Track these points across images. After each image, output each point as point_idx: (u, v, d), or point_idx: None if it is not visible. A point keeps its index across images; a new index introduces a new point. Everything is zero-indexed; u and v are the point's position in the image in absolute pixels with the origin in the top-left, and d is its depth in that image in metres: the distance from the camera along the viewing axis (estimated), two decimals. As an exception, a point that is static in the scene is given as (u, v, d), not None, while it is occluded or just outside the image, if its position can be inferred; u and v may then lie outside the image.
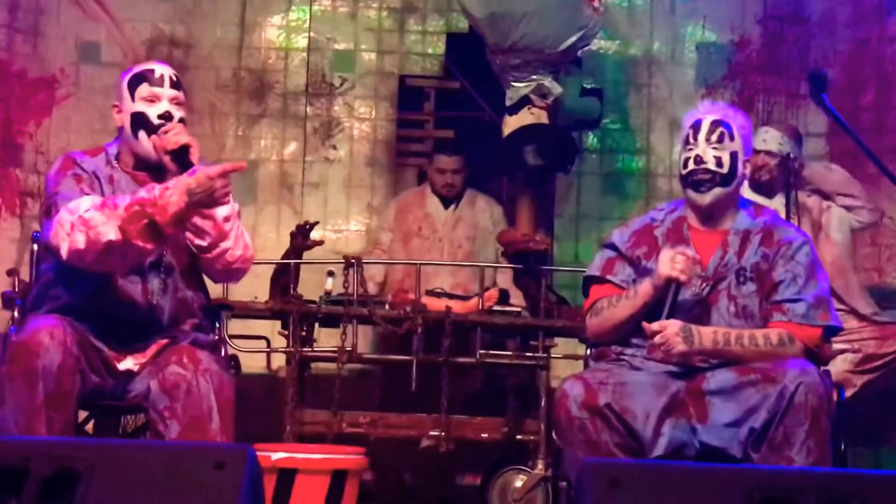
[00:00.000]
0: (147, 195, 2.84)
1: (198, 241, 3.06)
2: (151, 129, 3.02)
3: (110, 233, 2.80)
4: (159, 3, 5.77)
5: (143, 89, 3.03)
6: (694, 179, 3.08)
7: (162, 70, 3.08)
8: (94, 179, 3.01)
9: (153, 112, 3.02)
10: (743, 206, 3.16)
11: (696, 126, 3.12)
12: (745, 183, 3.50)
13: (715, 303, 3.04)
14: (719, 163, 3.07)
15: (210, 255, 3.08)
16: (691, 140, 3.11)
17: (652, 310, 3.02)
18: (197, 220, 3.01)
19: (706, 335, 2.95)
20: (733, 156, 3.09)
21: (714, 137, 3.09)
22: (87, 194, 2.94)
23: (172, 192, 2.82)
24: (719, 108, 3.17)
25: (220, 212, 3.02)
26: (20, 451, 2.14)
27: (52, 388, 2.77)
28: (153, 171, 3.07)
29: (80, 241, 2.82)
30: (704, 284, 3.05)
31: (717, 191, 3.08)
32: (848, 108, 5.39)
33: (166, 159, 2.98)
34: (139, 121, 3.02)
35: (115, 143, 3.14)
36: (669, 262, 2.99)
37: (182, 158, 2.95)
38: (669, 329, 2.93)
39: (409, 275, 4.52)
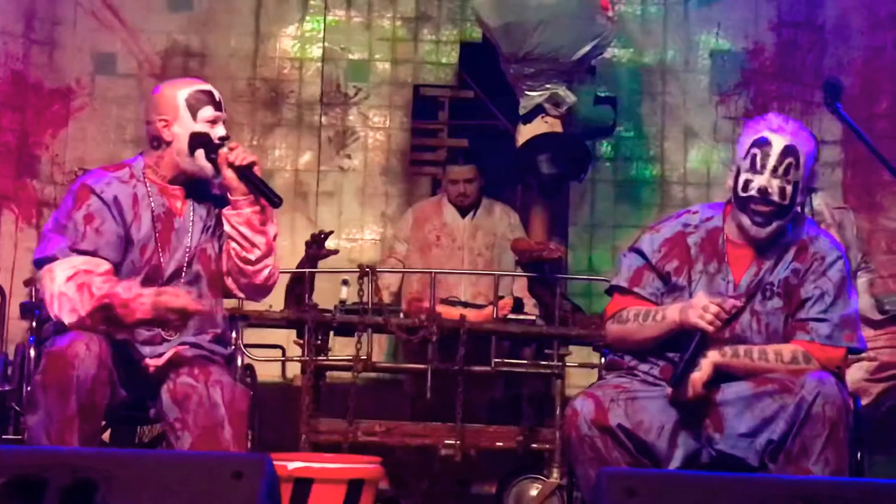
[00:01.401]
0: (123, 294, 2.94)
1: (246, 254, 3.13)
2: (212, 149, 3.13)
3: (71, 317, 2.94)
4: (174, 14, 5.80)
5: (208, 111, 3.14)
6: (753, 209, 2.94)
7: (217, 93, 3.20)
8: (111, 207, 3.06)
9: (215, 133, 3.14)
10: None
11: (766, 149, 2.94)
12: None
13: (738, 317, 2.96)
14: (783, 194, 2.93)
15: (253, 269, 3.15)
16: (758, 164, 2.94)
17: (675, 340, 2.93)
18: (249, 233, 3.12)
19: (710, 352, 2.88)
20: (796, 186, 2.94)
21: (782, 169, 2.93)
22: (82, 250, 3.00)
23: (146, 300, 2.94)
24: (791, 129, 2.98)
25: (271, 230, 3.16)
26: (39, 461, 2.15)
27: (85, 399, 2.82)
28: (189, 186, 3.16)
29: (62, 313, 2.96)
30: (737, 302, 2.95)
31: (775, 224, 2.95)
32: (863, 115, 5.37)
33: (229, 172, 3.10)
34: (200, 140, 3.12)
35: (139, 158, 3.20)
36: (701, 311, 2.86)
37: (246, 174, 3.10)
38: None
39: (426, 285, 4.53)
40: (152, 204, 3.11)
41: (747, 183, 2.95)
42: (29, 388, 2.94)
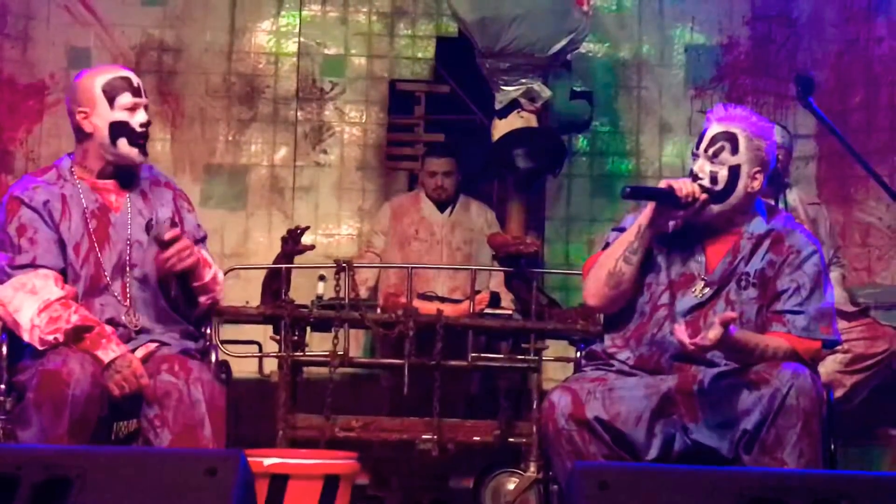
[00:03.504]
0: (96, 328, 2.97)
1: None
2: (133, 137, 3.10)
3: (44, 345, 2.96)
4: (149, 9, 5.77)
5: (125, 98, 3.09)
6: None
7: (136, 79, 3.16)
8: (41, 213, 3.05)
9: (135, 121, 3.10)
10: (759, 210, 3.08)
11: (702, 136, 3.04)
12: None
13: (713, 306, 2.99)
14: (714, 179, 2.98)
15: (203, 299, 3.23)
16: (694, 150, 3.04)
17: (651, 268, 3.00)
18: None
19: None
20: (733, 170, 2.98)
21: (712, 151, 2.99)
22: (20, 265, 3.00)
23: (111, 344, 2.96)
24: (731, 116, 3.04)
25: (206, 274, 3.18)
26: (12, 459, 2.14)
27: (78, 417, 2.84)
28: (123, 178, 3.15)
29: (34, 342, 2.98)
30: (707, 289, 3.00)
31: (714, 209, 2.99)
32: (837, 108, 5.41)
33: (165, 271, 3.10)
34: (121, 129, 3.09)
35: (65, 158, 3.19)
36: (676, 178, 2.97)
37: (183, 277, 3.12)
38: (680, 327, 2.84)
39: (404, 278, 4.54)
40: (84, 202, 3.09)
41: (690, 171, 3.04)
42: (21, 404, 2.92)
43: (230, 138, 5.80)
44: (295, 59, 5.85)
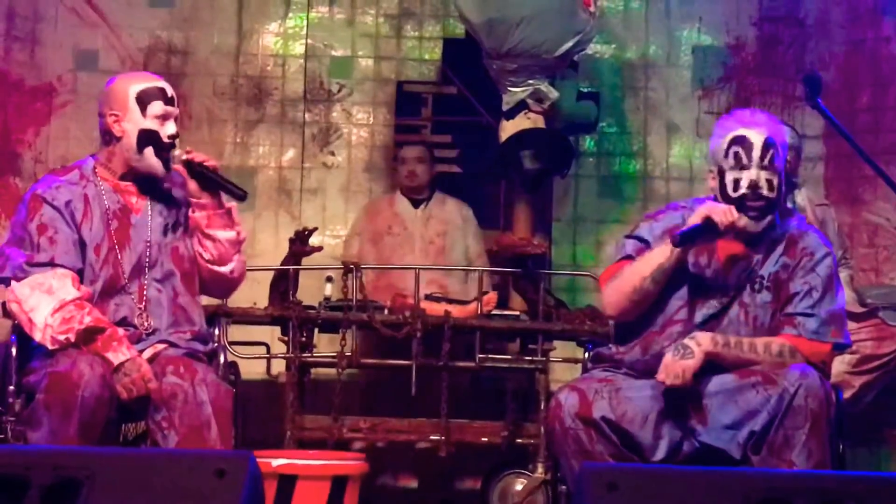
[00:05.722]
0: (108, 330, 2.97)
1: (202, 252, 3.18)
2: (160, 147, 3.11)
3: (55, 345, 2.97)
4: (157, 11, 5.78)
5: (157, 107, 3.11)
6: (747, 205, 2.98)
7: (170, 90, 3.17)
8: (63, 213, 3.06)
9: (164, 131, 3.12)
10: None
11: (747, 144, 3.00)
12: None
13: (728, 310, 3.01)
14: (771, 187, 2.99)
15: (208, 268, 3.18)
16: (744, 160, 2.99)
17: (671, 281, 2.99)
18: (200, 236, 3.15)
19: (704, 340, 2.91)
20: (780, 176, 3.00)
21: (767, 160, 2.98)
22: (39, 262, 3.00)
23: (122, 347, 2.96)
24: (766, 123, 3.05)
25: (222, 234, 3.18)
26: (21, 460, 2.15)
27: (87, 418, 2.85)
28: (143, 181, 3.16)
29: (45, 341, 2.98)
30: (724, 298, 3.01)
31: (769, 218, 3.01)
32: (844, 109, 5.40)
33: (181, 168, 3.11)
34: (149, 138, 3.11)
35: (88, 159, 3.20)
36: (712, 206, 2.97)
37: (201, 171, 3.10)
38: (665, 362, 2.87)
39: (379, 276, 4.56)
40: (106, 203, 3.11)
41: (737, 181, 2.99)
42: (31, 406, 2.93)
43: (238, 140, 5.80)
44: (302, 60, 5.86)
